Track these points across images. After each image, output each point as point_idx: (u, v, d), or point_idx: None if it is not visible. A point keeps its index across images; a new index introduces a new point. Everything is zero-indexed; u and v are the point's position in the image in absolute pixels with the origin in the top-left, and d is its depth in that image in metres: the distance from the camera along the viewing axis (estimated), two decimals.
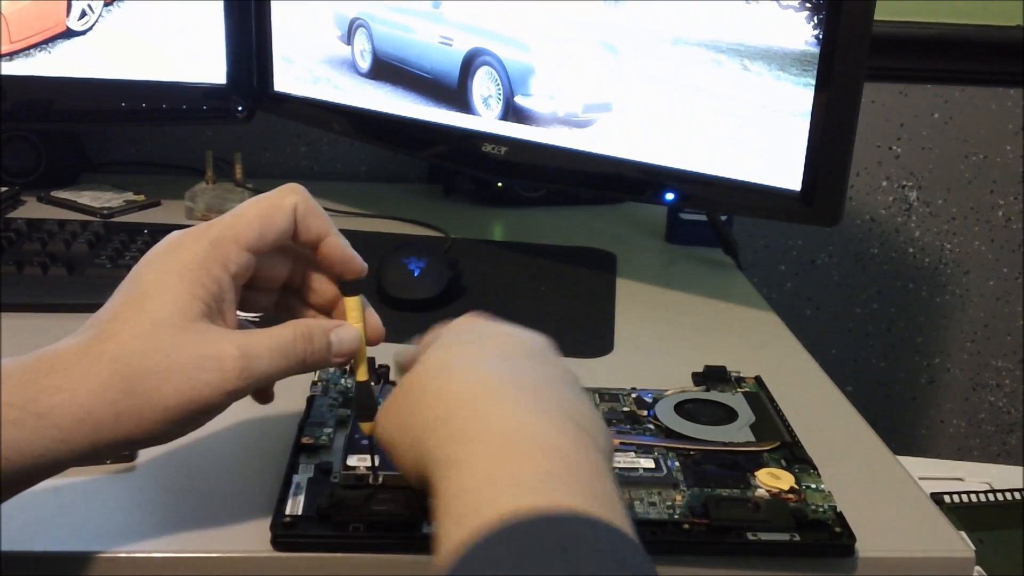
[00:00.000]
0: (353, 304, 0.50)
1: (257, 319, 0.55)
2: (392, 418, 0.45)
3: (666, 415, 0.60)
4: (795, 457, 0.56)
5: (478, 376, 0.43)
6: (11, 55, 1.00)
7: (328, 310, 0.52)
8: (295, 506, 0.49)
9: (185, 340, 0.44)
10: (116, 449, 0.44)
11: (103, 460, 0.44)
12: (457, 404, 0.42)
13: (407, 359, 0.50)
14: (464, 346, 0.47)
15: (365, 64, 0.99)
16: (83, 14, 1.00)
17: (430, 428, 0.42)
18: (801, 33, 0.73)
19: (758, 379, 0.67)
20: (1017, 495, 1.01)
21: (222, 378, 0.44)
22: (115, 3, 1.00)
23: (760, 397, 0.64)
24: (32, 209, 1.02)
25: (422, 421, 0.43)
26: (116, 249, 0.84)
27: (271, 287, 0.51)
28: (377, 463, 0.52)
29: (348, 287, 0.50)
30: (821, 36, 0.72)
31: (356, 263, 0.51)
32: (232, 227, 0.47)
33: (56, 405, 0.42)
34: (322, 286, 0.52)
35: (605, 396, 0.63)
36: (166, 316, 0.44)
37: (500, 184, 1.12)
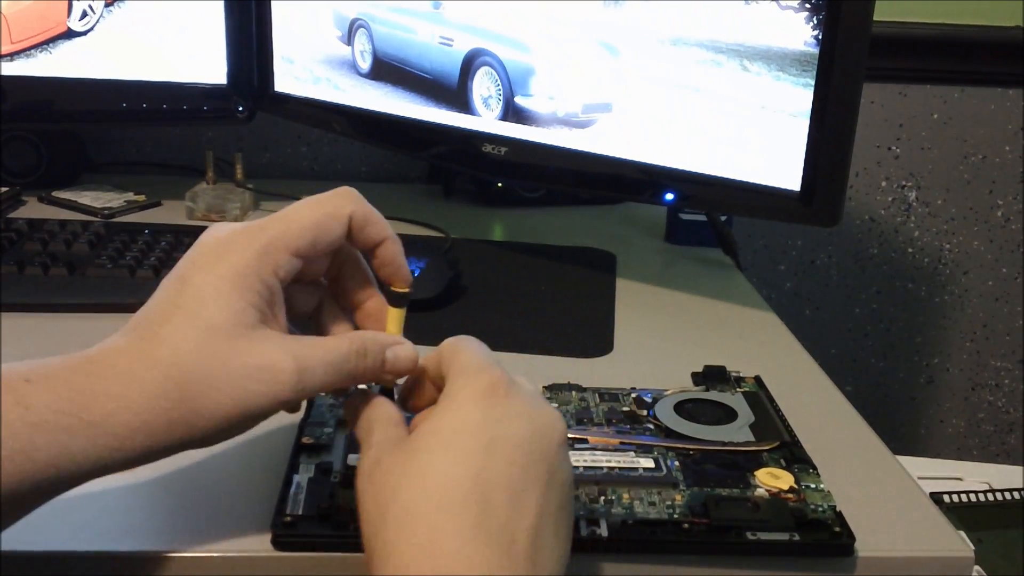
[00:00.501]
0: (396, 316, 0.49)
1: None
2: (371, 480, 0.43)
3: (666, 415, 0.60)
4: (794, 457, 0.56)
5: (438, 502, 0.40)
6: (12, 55, 1.01)
7: (353, 309, 0.51)
8: (295, 506, 0.50)
9: (240, 348, 0.43)
10: (168, 453, 0.44)
11: (156, 460, 0.44)
12: (411, 518, 0.40)
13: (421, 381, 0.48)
14: (467, 452, 0.42)
15: (365, 64, 0.99)
16: (84, 14, 1.01)
17: (385, 521, 0.41)
18: (801, 33, 0.73)
19: (757, 379, 0.67)
20: (1016, 495, 1.01)
21: (276, 390, 0.44)
22: (116, 3, 1.00)
23: (760, 397, 0.64)
24: (33, 209, 1.02)
25: (383, 506, 0.41)
26: (117, 249, 0.84)
27: (312, 281, 0.51)
28: None
29: (397, 298, 0.49)
30: (821, 36, 0.72)
31: (404, 272, 0.51)
32: (285, 233, 0.46)
33: (110, 413, 0.41)
34: (354, 285, 0.51)
35: (605, 396, 0.63)
36: (221, 323, 0.43)
37: (500, 184, 1.12)
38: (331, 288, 0.51)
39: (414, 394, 0.49)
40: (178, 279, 0.45)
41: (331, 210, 0.48)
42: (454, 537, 0.39)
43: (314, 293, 0.51)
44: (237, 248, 0.45)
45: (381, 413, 0.46)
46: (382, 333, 0.49)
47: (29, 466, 0.39)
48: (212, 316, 0.43)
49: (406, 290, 0.50)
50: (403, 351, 0.48)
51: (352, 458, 0.53)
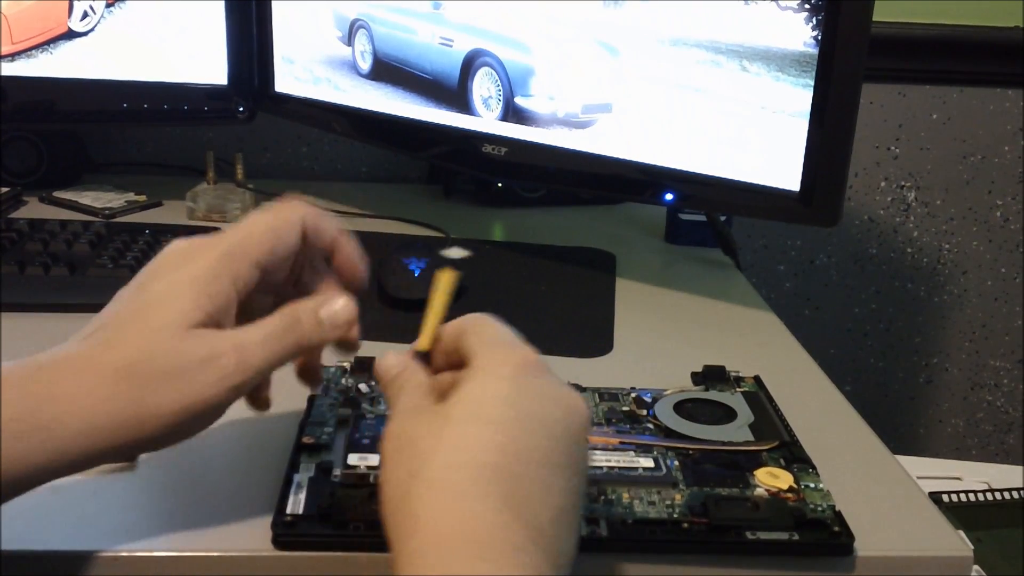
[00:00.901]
0: (446, 281, 0.49)
1: None
2: (399, 446, 0.43)
3: (665, 415, 0.61)
4: (794, 456, 0.56)
5: (471, 473, 0.40)
6: (13, 56, 1.01)
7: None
8: (296, 505, 0.50)
9: (185, 345, 0.44)
10: (114, 457, 0.44)
11: (98, 465, 0.44)
12: (442, 487, 0.39)
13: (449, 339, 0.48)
14: (501, 423, 0.41)
15: (366, 65, 0.99)
16: (85, 15, 1.01)
17: (412, 489, 0.40)
18: (800, 34, 0.73)
19: (757, 379, 0.67)
20: (1015, 494, 1.01)
21: (221, 375, 0.44)
22: (116, 4, 1.01)
23: (759, 397, 0.64)
24: (34, 209, 1.02)
25: (412, 473, 0.41)
26: (118, 249, 0.85)
27: (268, 291, 0.51)
28: (379, 461, 0.53)
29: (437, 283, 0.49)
30: (820, 37, 0.72)
31: (362, 267, 0.52)
32: (243, 242, 0.48)
33: (57, 416, 0.42)
34: (317, 285, 0.52)
35: (605, 396, 0.63)
36: (169, 323, 0.44)
37: (500, 184, 1.12)
38: (298, 293, 0.52)
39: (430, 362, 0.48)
40: (136, 287, 0.47)
41: (285, 215, 0.49)
42: (486, 510, 0.38)
43: (275, 305, 0.51)
44: (196, 256, 0.47)
45: (412, 377, 0.46)
46: (315, 297, 0.50)
47: None
48: (163, 317, 0.45)
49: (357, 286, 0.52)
50: (335, 304, 0.49)
51: (352, 457, 0.53)
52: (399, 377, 0.46)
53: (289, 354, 0.47)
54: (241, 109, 1.04)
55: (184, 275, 0.46)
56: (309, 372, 0.53)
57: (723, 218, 0.99)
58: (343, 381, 0.63)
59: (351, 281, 0.52)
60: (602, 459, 0.55)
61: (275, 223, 0.49)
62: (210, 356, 0.44)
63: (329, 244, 0.51)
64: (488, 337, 0.46)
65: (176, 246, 0.48)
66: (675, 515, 0.51)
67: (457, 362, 0.46)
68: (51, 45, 1.01)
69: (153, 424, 0.44)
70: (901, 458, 0.62)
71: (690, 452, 0.57)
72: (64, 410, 0.42)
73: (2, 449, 0.41)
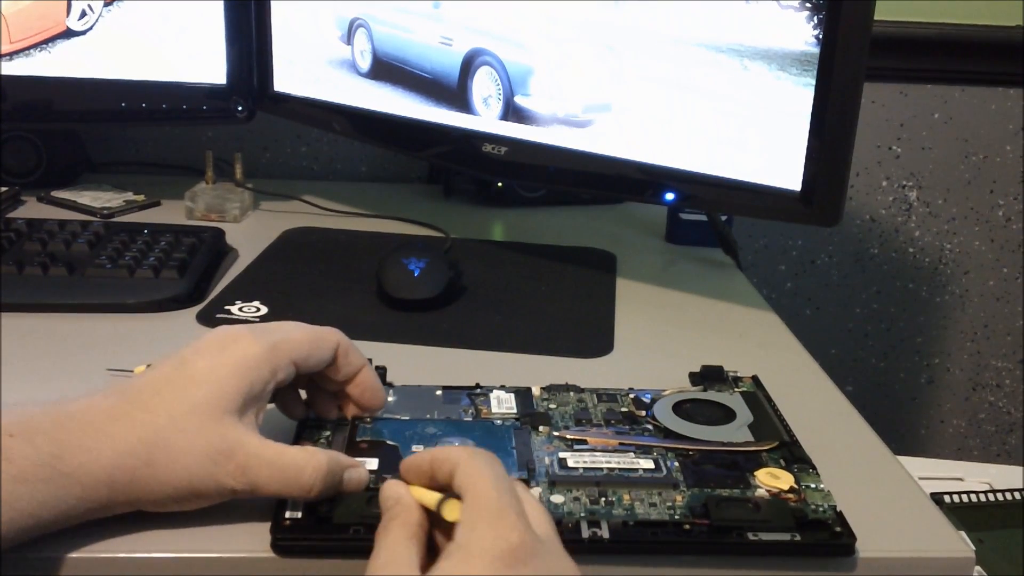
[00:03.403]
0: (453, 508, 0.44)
1: None
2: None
3: (664, 415, 0.60)
4: (794, 457, 0.56)
5: None
6: (11, 55, 1.00)
7: (340, 389, 0.56)
8: (295, 510, 0.49)
9: (210, 429, 0.47)
10: (125, 508, 0.47)
11: (111, 514, 0.47)
12: None
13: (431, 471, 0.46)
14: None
15: (365, 64, 0.99)
16: (83, 14, 1.00)
17: None
18: (801, 33, 0.73)
19: (755, 379, 0.67)
20: (1017, 495, 1.01)
21: (223, 474, 0.47)
22: (115, 3, 1.00)
23: (757, 397, 0.64)
24: (32, 209, 1.02)
25: None
26: (116, 249, 0.84)
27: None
28: (377, 467, 0.53)
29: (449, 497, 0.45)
30: (821, 36, 0.72)
31: (380, 395, 0.56)
32: (287, 341, 0.51)
33: (81, 465, 0.44)
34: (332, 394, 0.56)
35: (603, 397, 0.63)
36: (203, 402, 0.47)
37: (500, 184, 1.12)
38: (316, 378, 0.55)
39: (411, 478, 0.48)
40: (179, 360, 0.49)
41: (323, 335, 0.53)
42: None
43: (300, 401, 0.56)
44: (243, 343, 0.49)
45: (405, 515, 0.45)
46: (345, 457, 0.51)
47: (11, 514, 0.43)
48: (198, 396, 0.47)
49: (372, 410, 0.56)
50: (359, 473, 0.50)
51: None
52: (394, 510, 0.45)
53: (293, 493, 0.48)
54: (240, 108, 1.04)
55: (229, 357, 0.49)
56: (289, 407, 0.56)
57: (724, 218, 0.99)
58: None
59: (366, 408, 0.56)
60: (602, 461, 0.55)
61: (315, 336, 0.52)
62: (224, 451, 0.46)
63: (353, 372, 0.55)
64: (476, 501, 0.42)
65: (225, 330, 0.51)
66: (676, 516, 0.50)
67: (446, 487, 0.45)
68: (49, 44, 1.01)
69: (158, 490, 0.46)
70: (902, 459, 0.62)
71: (690, 453, 0.56)
72: (87, 458, 0.45)
73: (29, 492, 0.43)
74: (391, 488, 0.46)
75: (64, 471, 0.44)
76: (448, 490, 0.44)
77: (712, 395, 0.64)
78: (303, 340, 0.51)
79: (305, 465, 0.47)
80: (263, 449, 0.47)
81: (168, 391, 0.47)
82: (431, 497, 0.45)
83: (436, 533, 0.45)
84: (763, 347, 0.78)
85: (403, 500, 0.46)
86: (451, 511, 0.43)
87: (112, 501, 0.46)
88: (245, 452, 0.47)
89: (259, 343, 0.50)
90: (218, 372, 0.48)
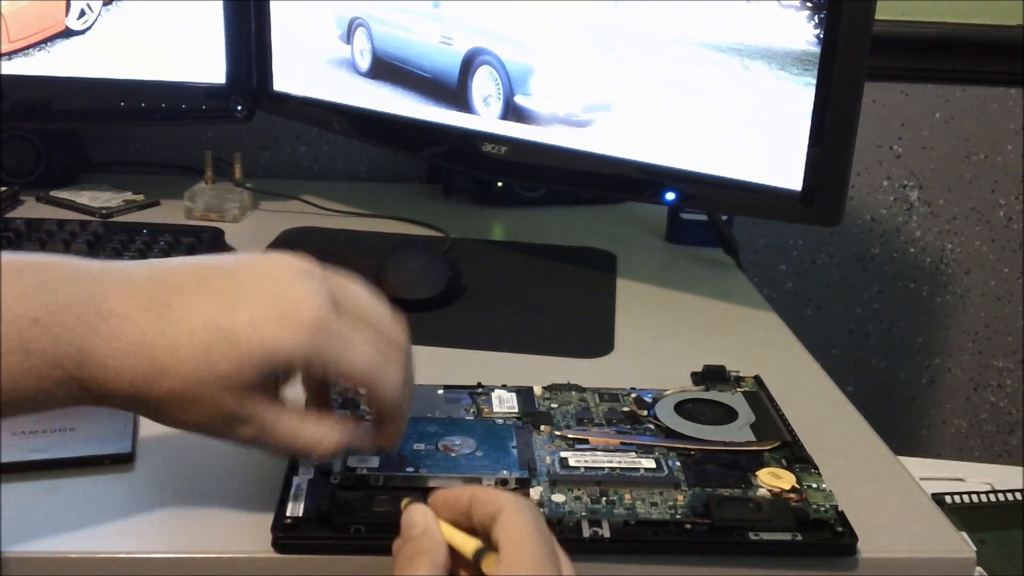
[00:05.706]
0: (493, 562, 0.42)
1: None
2: None
3: (666, 415, 0.60)
4: (796, 457, 0.56)
5: None
6: (10, 55, 1.00)
7: None
8: (296, 508, 0.49)
9: (227, 398, 0.45)
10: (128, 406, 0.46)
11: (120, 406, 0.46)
12: None
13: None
14: None
15: (365, 64, 0.99)
16: (82, 13, 1.00)
17: None
18: (801, 33, 0.73)
19: (757, 378, 0.67)
20: (1018, 495, 1.01)
21: (235, 434, 0.46)
22: (114, 2, 1.00)
23: (759, 396, 0.64)
24: (31, 209, 1.02)
25: None
26: (115, 249, 0.84)
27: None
28: (378, 464, 0.52)
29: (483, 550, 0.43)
30: (821, 36, 0.72)
31: (387, 446, 0.52)
32: (344, 353, 0.47)
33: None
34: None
35: (605, 396, 0.63)
36: (224, 375, 0.44)
37: (500, 184, 1.11)
38: None
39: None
40: (226, 294, 0.46)
41: (387, 373, 0.49)
42: None
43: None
44: (297, 320, 0.46)
45: (430, 547, 0.43)
46: (360, 437, 0.50)
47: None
48: (222, 367, 0.44)
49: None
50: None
51: (352, 460, 0.53)
52: (418, 540, 0.43)
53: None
54: (239, 108, 1.04)
55: (271, 332, 0.45)
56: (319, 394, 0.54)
57: (724, 218, 0.98)
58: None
59: (382, 443, 0.51)
60: (603, 460, 0.55)
61: (375, 367, 0.49)
62: (242, 419, 0.46)
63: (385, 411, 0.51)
64: (518, 560, 0.40)
65: (288, 282, 0.48)
66: (678, 516, 0.50)
67: (482, 531, 0.43)
68: (48, 44, 1.01)
69: (165, 387, 0.44)
70: (903, 459, 0.61)
71: (691, 452, 0.56)
72: (105, 377, 0.43)
73: (38, 390, 0.43)
74: (419, 515, 0.43)
75: (79, 378, 0.43)
76: (481, 533, 0.42)
77: (714, 395, 0.64)
78: (360, 364, 0.47)
79: (317, 446, 0.47)
80: (277, 425, 0.46)
81: (200, 342, 0.44)
82: (467, 545, 0.42)
83: (456, 569, 0.43)
84: (764, 347, 0.78)
85: (431, 533, 0.43)
86: (491, 565, 0.41)
87: (127, 393, 0.44)
88: (259, 424, 0.46)
89: (312, 331, 0.45)
90: (252, 341, 0.44)
